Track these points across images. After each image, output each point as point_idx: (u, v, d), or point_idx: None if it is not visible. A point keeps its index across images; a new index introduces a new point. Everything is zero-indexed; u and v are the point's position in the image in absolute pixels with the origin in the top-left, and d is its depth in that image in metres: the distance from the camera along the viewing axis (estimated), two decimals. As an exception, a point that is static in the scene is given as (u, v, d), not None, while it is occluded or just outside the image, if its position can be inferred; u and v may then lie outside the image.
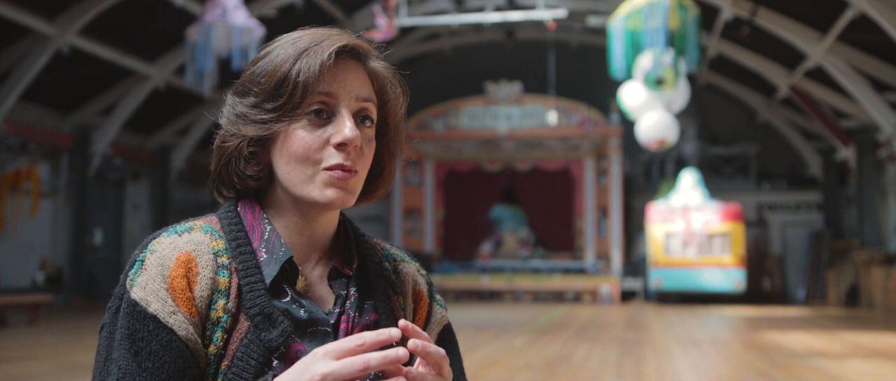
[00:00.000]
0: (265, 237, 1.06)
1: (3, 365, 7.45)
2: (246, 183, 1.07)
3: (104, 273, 17.63)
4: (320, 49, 1.03)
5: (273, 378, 0.96)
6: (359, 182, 1.05)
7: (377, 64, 1.10)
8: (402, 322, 0.93)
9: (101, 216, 18.45)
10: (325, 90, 1.03)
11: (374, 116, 1.08)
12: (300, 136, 1.02)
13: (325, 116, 1.03)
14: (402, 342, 0.93)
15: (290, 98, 1.02)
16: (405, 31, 19.31)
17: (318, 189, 1.02)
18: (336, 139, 1.02)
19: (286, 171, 1.04)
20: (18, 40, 14.32)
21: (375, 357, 0.89)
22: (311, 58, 1.02)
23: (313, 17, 15.67)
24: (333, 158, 1.02)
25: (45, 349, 8.91)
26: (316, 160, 1.02)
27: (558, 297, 19.68)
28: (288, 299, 1.04)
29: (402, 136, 1.15)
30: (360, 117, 1.05)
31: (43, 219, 16.85)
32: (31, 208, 16.13)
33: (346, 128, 1.02)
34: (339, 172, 1.02)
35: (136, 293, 0.98)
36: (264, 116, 1.03)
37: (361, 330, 1.07)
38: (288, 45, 1.05)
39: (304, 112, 1.03)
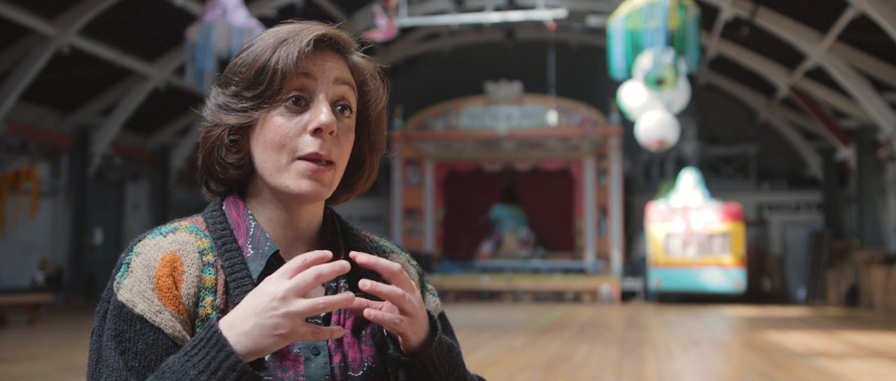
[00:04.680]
0: (250, 233, 1.07)
1: (3, 365, 7.46)
2: (228, 172, 1.08)
3: (104, 273, 17.54)
4: (299, 38, 1.04)
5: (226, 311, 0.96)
6: (336, 175, 1.05)
7: (358, 56, 1.11)
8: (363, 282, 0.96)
9: (101, 216, 18.46)
10: (303, 75, 1.03)
11: (353, 105, 1.08)
12: (277, 123, 1.03)
13: (303, 103, 1.04)
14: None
15: (269, 86, 1.03)
16: (405, 31, 19.30)
17: (292, 179, 1.03)
18: (312, 125, 1.02)
19: (262, 159, 1.04)
20: (18, 40, 14.33)
21: (326, 268, 0.92)
22: (289, 46, 1.03)
23: (313, 17, 15.54)
24: (309, 146, 1.02)
25: (45, 349, 8.91)
26: (291, 148, 1.02)
27: (558, 297, 19.67)
28: None
29: (384, 131, 1.15)
30: (338, 107, 1.05)
31: (43, 219, 16.85)
32: (31, 208, 16.14)
33: (322, 114, 1.02)
34: (314, 165, 1.02)
35: (123, 295, 0.99)
36: (244, 105, 1.04)
37: (353, 324, 1.07)
38: (268, 36, 1.06)
39: (283, 100, 1.03)
